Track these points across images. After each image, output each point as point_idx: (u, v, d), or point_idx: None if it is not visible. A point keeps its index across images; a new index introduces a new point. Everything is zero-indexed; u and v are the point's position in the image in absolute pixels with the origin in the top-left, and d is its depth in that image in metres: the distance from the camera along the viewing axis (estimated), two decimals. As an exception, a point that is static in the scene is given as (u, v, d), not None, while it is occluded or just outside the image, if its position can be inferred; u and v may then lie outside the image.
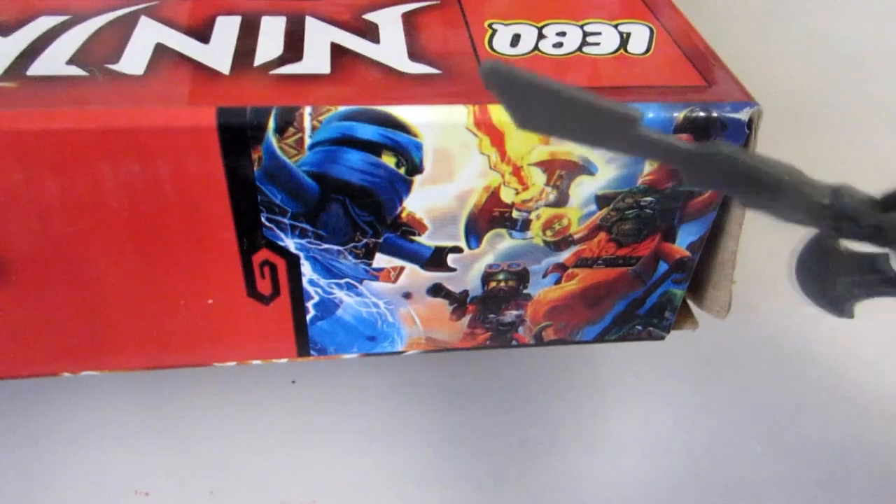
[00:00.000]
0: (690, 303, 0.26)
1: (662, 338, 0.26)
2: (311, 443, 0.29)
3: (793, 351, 0.33)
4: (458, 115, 0.19)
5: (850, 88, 0.48)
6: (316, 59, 0.21)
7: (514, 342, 0.25)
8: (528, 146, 0.20)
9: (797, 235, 0.15)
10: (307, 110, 0.19)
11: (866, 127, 0.47)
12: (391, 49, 0.21)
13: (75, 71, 0.19)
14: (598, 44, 0.22)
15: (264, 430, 0.30)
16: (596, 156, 0.20)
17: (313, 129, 0.19)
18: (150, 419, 0.30)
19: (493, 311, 0.24)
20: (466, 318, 0.24)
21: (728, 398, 0.32)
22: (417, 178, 0.20)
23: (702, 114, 0.20)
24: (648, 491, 0.28)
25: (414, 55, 0.21)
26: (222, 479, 0.28)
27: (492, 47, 0.22)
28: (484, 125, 0.19)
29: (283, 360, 0.24)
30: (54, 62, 0.20)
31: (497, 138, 0.20)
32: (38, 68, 0.19)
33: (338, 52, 0.21)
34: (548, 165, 0.20)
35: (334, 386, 0.32)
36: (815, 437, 0.30)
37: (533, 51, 0.22)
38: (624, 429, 0.30)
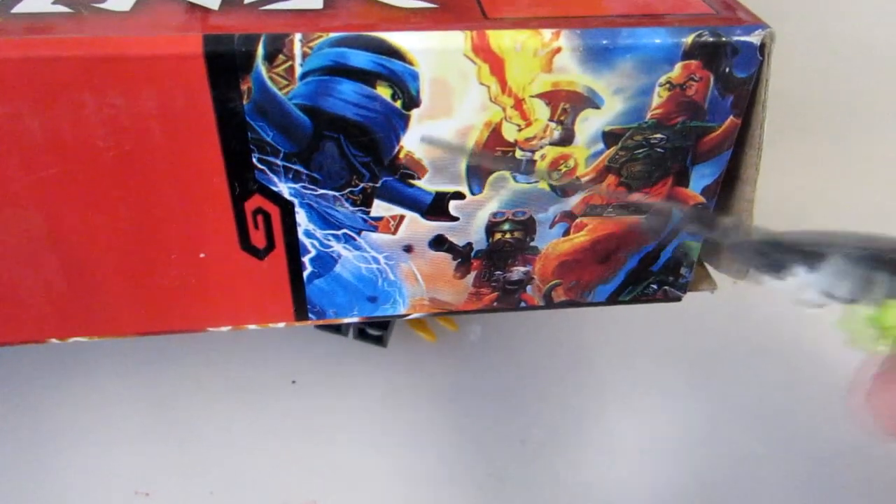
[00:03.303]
0: (707, 264, 0.25)
1: (679, 298, 0.25)
2: (311, 443, 0.29)
3: (794, 351, 0.33)
4: (456, 40, 0.18)
5: (853, 88, 0.48)
6: (308, -2, 0.20)
7: (522, 303, 0.24)
8: (529, 75, 0.19)
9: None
10: (297, 36, 0.18)
11: (868, 127, 0.47)
12: (386, -12, 0.21)
13: (61, 8, 0.19)
14: (600, -17, 0.22)
15: (264, 430, 0.29)
16: (601, 86, 0.19)
17: (304, 56, 0.18)
18: (151, 419, 0.29)
19: (499, 267, 0.23)
20: (471, 276, 0.23)
21: (729, 398, 0.31)
22: (415, 113, 0.19)
23: (711, 38, 0.19)
24: (649, 490, 0.28)
25: (410, -7, 0.21)
26: (222, 479, 0.28)
27: (490, -14, 0.21)
28: (482, 51, 0.18)
29: (281, 325, 0.23)
30: (41, 1, 0.19)
31: (497, 66, 0.19)
32: (23, 6, 0.19)
33: (331, -9, 0.21)
34: (551, 97, 0.19)
35: (334, 386, 0.31)
36: (815, 437, 0.30)
37: (533, -11, 0.21)
38: (624, 429, 0.30)
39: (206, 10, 0.19)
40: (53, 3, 0.19)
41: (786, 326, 0.33)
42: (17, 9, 0.19)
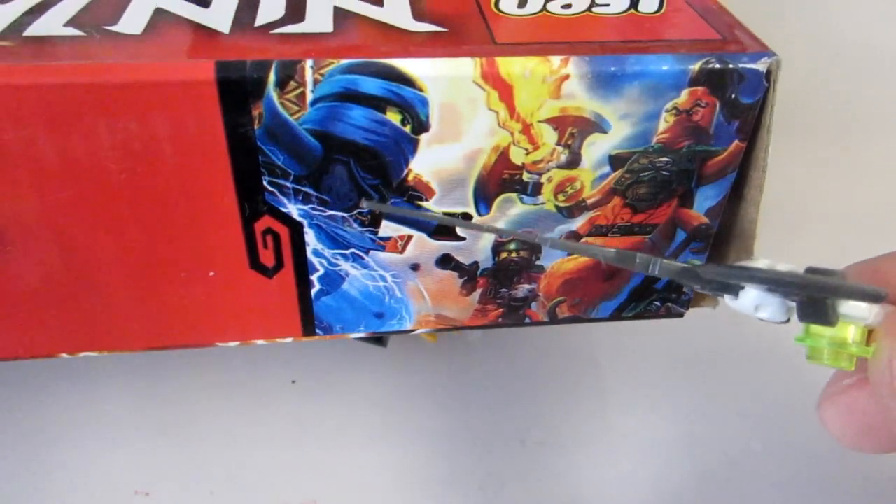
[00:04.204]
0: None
1: (681, 315, 0.25)
2: (311, 443, 0.29)
3: (794, 351, 0.33)
4: (465, 67, 0.18)
5: (854, 89, 0.48)
6: (318, 20, 0.20)
7: (527, 319, 0.24)
8: (537, 101, 0.19)
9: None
10: (309, 63, 0.18)
11: (869, 128, 0.47)
12: (395, 10, 0.21)
13: (72, 31, 0.19)
14: (607, 4, 0.22)
15: (264, 430, 0.30)
16: (608, 111, 0.19)
17: (315, 82, 0.18)
18: (151, 419, 0.30)
19: (504, 284, 0.23)
20: (477, 293, 0.23)
21: (728, 398, 0.31)
22: (424, 137, 0.19)
23: (718, 65, 0.19)
24: (649, 491, 0.28)
25: (418, 15, 0.21)
26: (222, 479, 0.28)
27: (498, 8, 0.21)
28: (491, 78, 0.19)
29: (288, 340, 0.23)
30: (52, 24, 0.19)
31: (505, 92, 0.19)
32: (35, 29, 0.19)
33: (340, 13, 0.21)
34: (559, 122, 0.20)
35: (334, 386, 0.31)
36: (815, 437, 0.30)
37: (541, 11, 0.21)
38: (624, 428, 0.30)
39: (217, 33, 0.19)
40: (65, 25, 0.19)
41: (788, 327, 0.34)
42: (29, 32, 0.19)
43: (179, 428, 0.29)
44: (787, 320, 0.16)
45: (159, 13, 0.20)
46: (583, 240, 0.22)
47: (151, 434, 0.29)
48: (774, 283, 0.15)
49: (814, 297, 0.15)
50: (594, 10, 0.21)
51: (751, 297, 0.16)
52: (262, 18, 0.20)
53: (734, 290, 0.16)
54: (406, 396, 0.31)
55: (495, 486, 0.28)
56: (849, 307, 0.15)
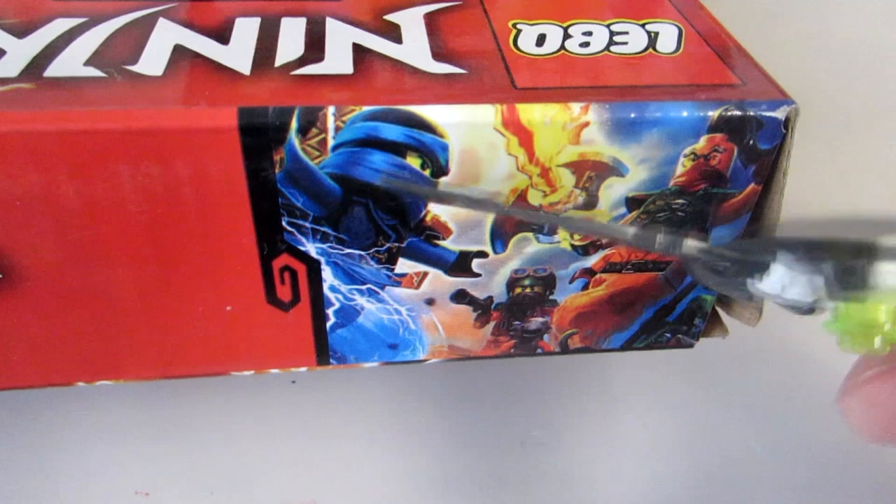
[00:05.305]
0: (720, 310, 0.26)
1: (691, 345, 0.25)
2: (311, 443, 0.29)
3: (794, 351, 0.33)
4: (486, 114, 0.19)
5: (854, 89, 0.48)
6: (338, 59, 0.20)
7: (538, 350, 0.24)
8: (557, 146, 0.19)
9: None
10: (331, 110, 0.18)
11: (869, 127, 0.47)
12: (414, 49, 0.21)
13: (93, 72, 0.19)
14: (625, 43, 0.22)
15: (264, 431, 0.29)
16: (627, 156, 0.20)
17: (337, 129, 0.18)
18: (150, 419, 0.30)
19: (518, 317, 0.23)
20: (490, 326, 0.23)
21: (728, 399, 0.31)
22: (443, 181, 0.19)
23: (737, 112, 0.19)
24: (649, 491, 0.28)
25: (438, 55, 0.21)
26: (222, 479, 0.28)
27: (517, 46, 0.21)
28: (512, 125, 0.19)
29: (303, 369, 0.24)
30: (72, 63, 0.19)
31: (525, 138, 0.19)
32: (55, 70, 0.19)
33: (360, 52, 0.21)
34: (577, 166, 0.20)
35: (334, 386, 0.31)
36: (815, 438, 0.30)
37: (559, 50, 0.21)
38: (625, 429, 0.30)
39: (237, 75, 0.19)
40: (85, 64, 0.19)
41: (788, 328, 0.34)
42: (50, 72, 0.19)
43: (179, 428, 0.29)
44: (813, 310, 0.16)
45: (179, 51, 0.20)
46: (596, 276, 0.22)
47: (151, 434, 0.29)
48: (807, 247, 0.14)
49: (847, 263, 0.14)
50: (612, 49, 0.21)
51: (777, 275, 0.15)
52: (281, 57, 0.20)
53: (760, 270, 0.15)
54: (406, 397, 0.31)
55: (495, 486, 0.28)
56: (885, 273, 0.14)
